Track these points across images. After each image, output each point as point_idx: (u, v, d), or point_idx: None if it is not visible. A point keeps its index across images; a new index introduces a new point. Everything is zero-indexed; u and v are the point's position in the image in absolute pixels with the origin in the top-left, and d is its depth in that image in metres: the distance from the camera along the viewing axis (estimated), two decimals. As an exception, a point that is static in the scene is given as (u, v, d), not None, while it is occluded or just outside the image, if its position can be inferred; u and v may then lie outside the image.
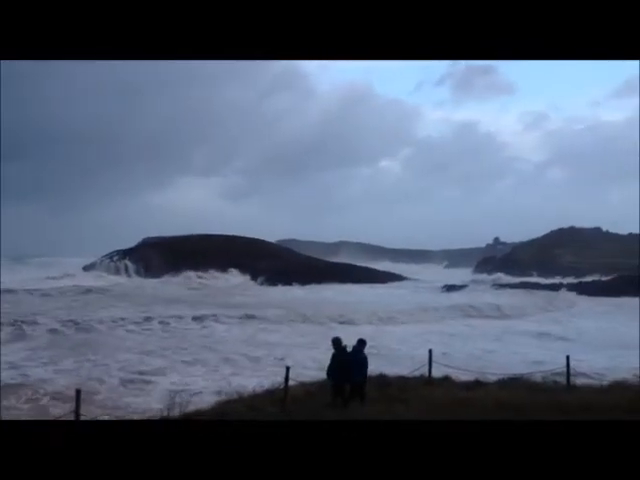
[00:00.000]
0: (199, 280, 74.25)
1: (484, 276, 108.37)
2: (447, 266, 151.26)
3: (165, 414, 12.20)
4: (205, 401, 16.20)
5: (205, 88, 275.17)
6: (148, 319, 37.29)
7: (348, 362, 12.83)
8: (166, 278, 74.23)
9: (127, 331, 34.22)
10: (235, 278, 77.62)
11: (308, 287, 73.81)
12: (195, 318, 38.76)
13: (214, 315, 39.82)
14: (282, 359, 24.94)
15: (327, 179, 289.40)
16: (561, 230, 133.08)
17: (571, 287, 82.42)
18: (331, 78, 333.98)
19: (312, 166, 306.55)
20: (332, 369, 12.94)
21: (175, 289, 64.11)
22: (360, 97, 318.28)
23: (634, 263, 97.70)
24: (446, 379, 16.42)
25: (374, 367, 17.61)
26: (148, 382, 21.45)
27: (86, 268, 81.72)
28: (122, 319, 36.69)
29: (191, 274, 75.84)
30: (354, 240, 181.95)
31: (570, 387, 15.21)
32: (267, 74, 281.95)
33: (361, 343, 13.27)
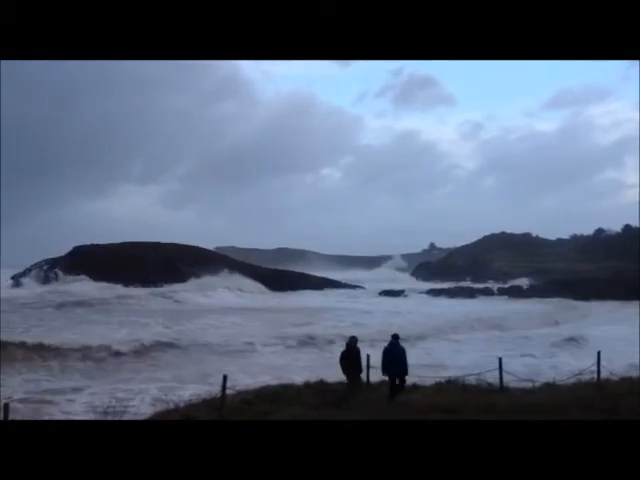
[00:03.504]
0: (127, 290, 71.64)
1: (420, 282, 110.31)
2: (389, 271, 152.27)
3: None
4: (140, 413, 15.83)
5: (145, 93, 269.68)
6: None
7: (392, 356, 14.21)
8: (100, 288, 71.93)
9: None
10: (165, 287, 75.32)
11: (246, 294, 73.49)
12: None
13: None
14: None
15: (269, 186, 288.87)
16: (493, 236, 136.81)
17: (502, 291, 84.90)
18: (275, 86, 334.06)
19: (254, 173, 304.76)
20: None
21: (108, 299, 61.93)
22: (303, 106, 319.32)
23: (561, 267, 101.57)
24: (384, 383, 16.56)
25: (313, 374, 17.65)
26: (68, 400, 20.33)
27: (14, 277, 78.74)
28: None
29: (120, 285, 73.24)
30: (294, 247, 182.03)
31: (503, 389, 15.61)
32: (210, 80, 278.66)
33: (395, 337, 14.63)
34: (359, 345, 14.97)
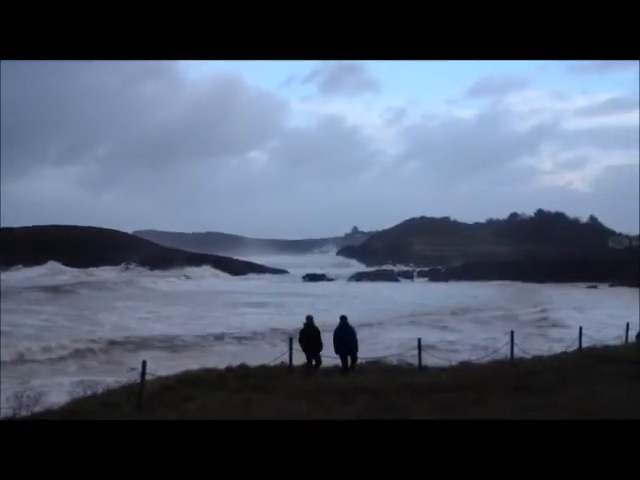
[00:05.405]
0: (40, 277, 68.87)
1: (344, 265, 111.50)
2: (316, 256, 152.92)
3: (12, 415, 11.31)
4: (55, 401, 15.23)
5: (64, 74, 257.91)
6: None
7: (342, 337, 14.74)
8: (8, 274, 68.89)
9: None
10: (80, 272, 72.84)
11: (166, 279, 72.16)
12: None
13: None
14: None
15: (194, 169, 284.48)
16: (413, 220, 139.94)
17: (422, 274, 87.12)
18: (202, 68, 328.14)
19: (179, 156, 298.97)
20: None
21: (18, 285, 59.32)
22: (230, 88, 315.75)
23: (479, 250, 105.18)
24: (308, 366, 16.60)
25: (238, 360, 17.43)
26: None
27: None
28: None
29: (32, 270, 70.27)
30: (220, 231, 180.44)
31: (422, 368, 15.98)
32: (134, 60, 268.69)
33: (343, 318, 15.23)
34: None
